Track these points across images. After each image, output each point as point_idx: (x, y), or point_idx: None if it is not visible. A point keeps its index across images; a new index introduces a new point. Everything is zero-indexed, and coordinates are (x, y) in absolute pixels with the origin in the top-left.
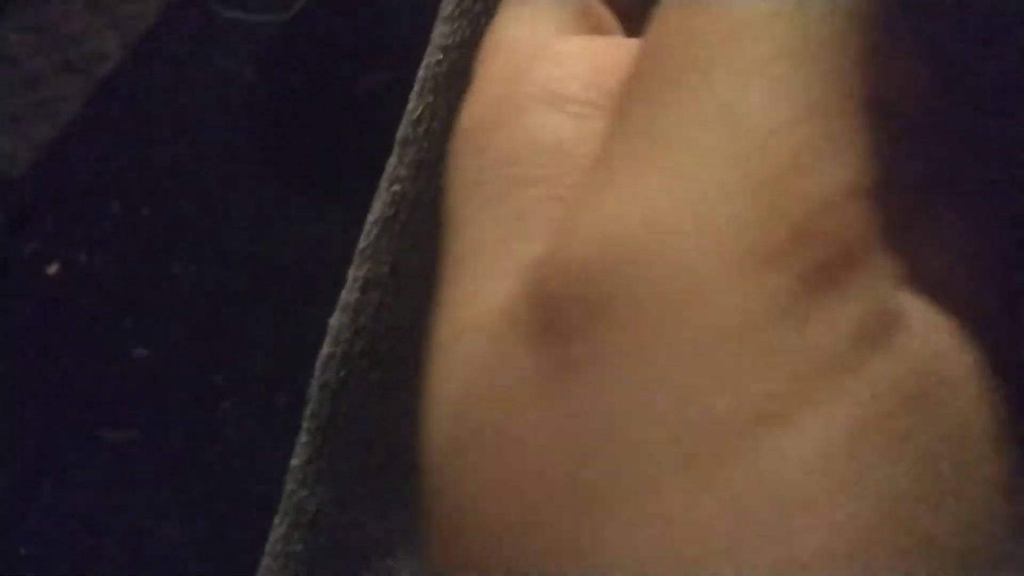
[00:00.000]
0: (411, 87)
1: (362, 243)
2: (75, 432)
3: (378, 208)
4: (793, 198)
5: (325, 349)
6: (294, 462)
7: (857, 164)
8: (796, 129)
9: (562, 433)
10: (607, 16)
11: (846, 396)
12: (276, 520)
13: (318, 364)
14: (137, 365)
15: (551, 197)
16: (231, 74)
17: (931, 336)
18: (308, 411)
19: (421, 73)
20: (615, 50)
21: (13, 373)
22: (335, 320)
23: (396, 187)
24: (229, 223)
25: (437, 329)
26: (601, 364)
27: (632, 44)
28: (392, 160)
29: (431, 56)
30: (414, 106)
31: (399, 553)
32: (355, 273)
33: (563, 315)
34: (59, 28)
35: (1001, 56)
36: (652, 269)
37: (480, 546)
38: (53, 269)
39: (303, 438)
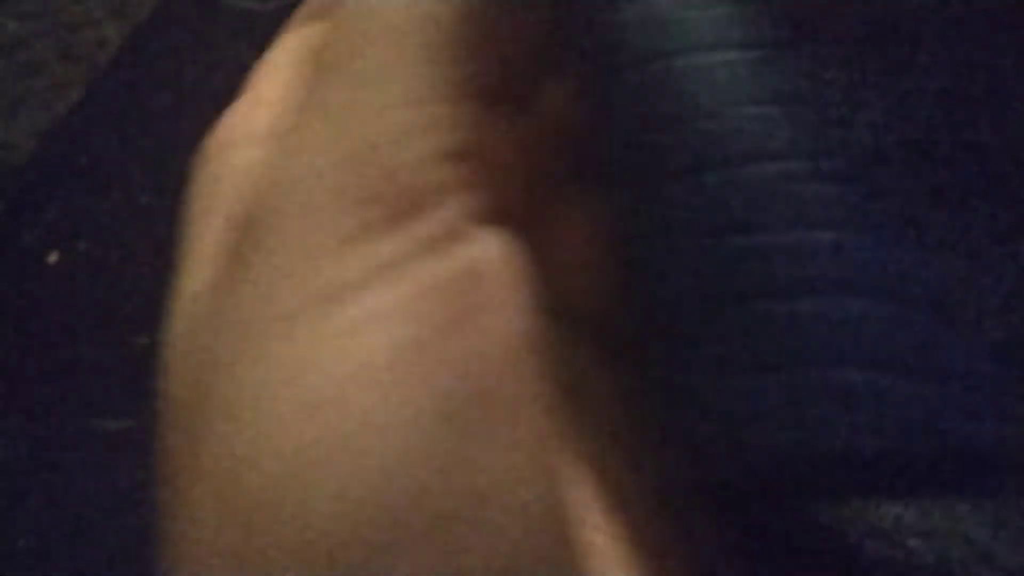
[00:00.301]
0: None
1: None
2: (75, 421)
3: None
4: (383, 163)
5: None
6: None
7: (444, 138)
8: (400, 112)
9: (213, 329)
10: None
11: (401, 281)
12: None
13: None
14: (138, 353)
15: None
16: (232, 60)
17: (482, 252)
18: None
19: None
20: None
21: (12, 361)
22: None
23: None
24: None
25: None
26: (243, 275)
27: None
28: None
29: None
30: None
31: None
32: None
33: (235, 249)
34: (59, 16)
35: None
36: (283, 209)
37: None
38: (53, 257)
39: None
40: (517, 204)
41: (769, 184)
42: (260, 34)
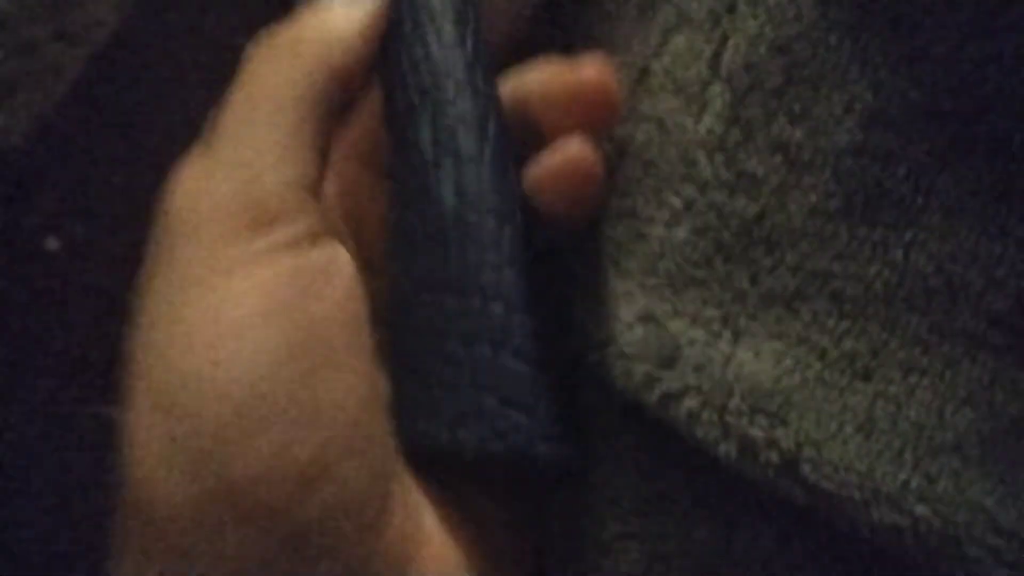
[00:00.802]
0: None
1: None
2: (74, 407)
3: None
4: (255, 189)
5: None
6: None
7: (294, 173)
8: (267, 156)
9: (146, 298)
10: None
11: (267, 266)
12: None
13: None
14: None
15: None
16: (226, 42)
17: (322, 252)
18: None
19: None
20: None
21: (12, 348)
22: None
23: None
24: None
25: None
26: (162, 262)
27: None
28: None
29: None
30: None
31: None
32: None
33: (158, 247)
34: None
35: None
36: (187, 215)
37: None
38: (52, 243)
39: None
40: (356, 226)
41: (472, 269)
42: (253, 15)
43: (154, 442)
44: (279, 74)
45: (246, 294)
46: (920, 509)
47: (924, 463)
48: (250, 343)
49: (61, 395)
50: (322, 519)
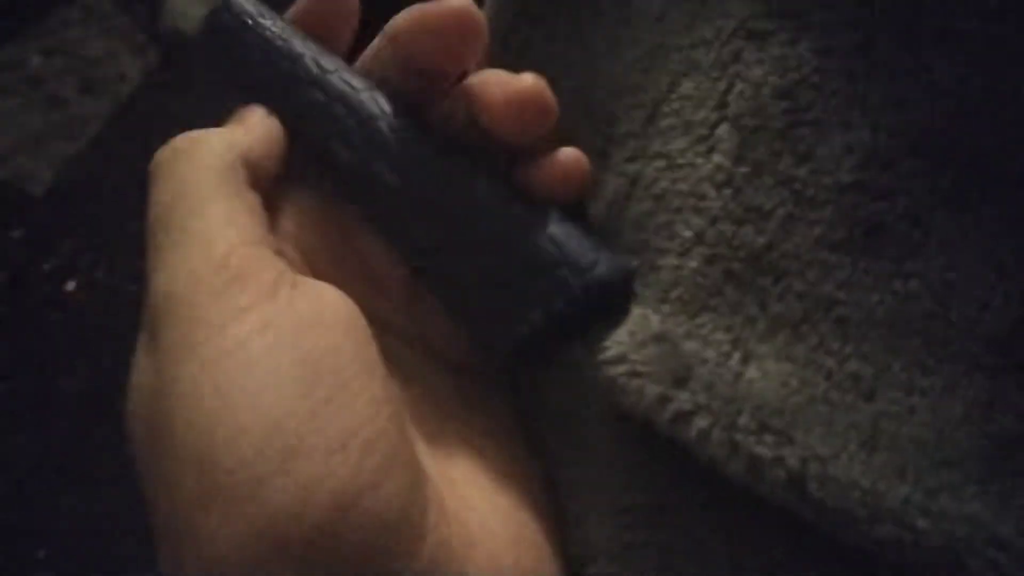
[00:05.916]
0: None
1: None
2: (95, 443)
3: None
4: (213, 255)
5: None
6: None
7: (240, 234)
8: (212, 224)
9: (156, 362)
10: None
11: (253, 316)
12: None
13: None
14: None
15: None
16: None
17: (302, 291)
18: None
19: None
20: None
21: (31, 387)
22: None
23: None
24: None
25: None
26: (151, 346)
27: None
28: None
29: None
30: None
31: None
32: None
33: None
34: (80, 51)
35: None
36: (171, 294)
37: None
38: (71, 286)
39: None
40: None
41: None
42: None
43: (187, 492)
44: (194, 165)
45: (246, 339)
46: (922, 523)
47: (925, 478)
48: (259, 381)
49: (80, 429)
50: (363, 540)
